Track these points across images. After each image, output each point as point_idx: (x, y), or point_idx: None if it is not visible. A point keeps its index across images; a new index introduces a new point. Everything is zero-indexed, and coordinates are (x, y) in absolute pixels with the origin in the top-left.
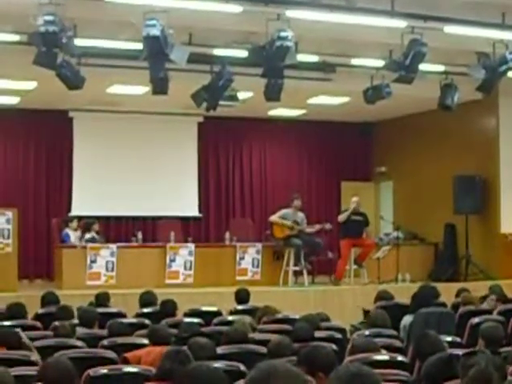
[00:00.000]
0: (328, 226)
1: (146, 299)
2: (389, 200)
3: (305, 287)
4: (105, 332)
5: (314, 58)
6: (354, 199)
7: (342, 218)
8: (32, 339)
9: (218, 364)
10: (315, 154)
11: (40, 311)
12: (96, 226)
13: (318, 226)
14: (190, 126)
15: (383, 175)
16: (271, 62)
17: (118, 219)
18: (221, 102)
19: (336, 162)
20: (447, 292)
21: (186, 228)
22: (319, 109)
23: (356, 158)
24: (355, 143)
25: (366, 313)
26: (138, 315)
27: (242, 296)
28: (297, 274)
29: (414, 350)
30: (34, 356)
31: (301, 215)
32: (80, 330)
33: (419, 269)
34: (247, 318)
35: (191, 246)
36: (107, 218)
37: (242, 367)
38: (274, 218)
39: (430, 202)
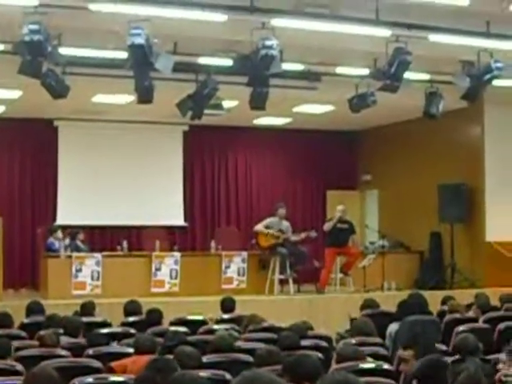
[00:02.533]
0: (313, 233)
1: (132, 308)
2: (374, 208)
3: (290, 296)
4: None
5: (298, 67)
6: (340, 208)
7: (327, 227)
8: (17, 349)
9: (203, 373)
10: (300, 162)
11: (25, 321)
12: (81, 236)
13: (303, 235)
14: (175, 135)
15: (368, 184)
16: (256, 70)
17: (104, 228)
18: (206, 111)
19: (321, 170)
20: (433, 300)
21: (172, 237)
22: (304, 117)
23: (341, 166)
24: (340, 151)
25: (353, 320)
26: (124, 324)
27: (227, 305)
28: (282, 282)
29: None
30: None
31: (286, 224)
32: (65, 340)
33: (405, 277)
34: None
35: (177, 254)
36: (92, 227)
37: (228, 376)
38: (258, 227)
39: (416, 210)
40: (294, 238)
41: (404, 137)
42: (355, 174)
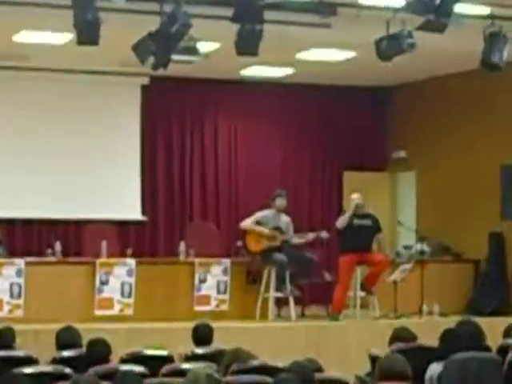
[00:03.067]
0: (324, 234)
1: (67, 338)
2: (410, 198)
3: (291, 322)
4: None
5: None
6: (355, 196)
7: (340, 222)
8: None
9: None
10: (307, 131)
11: None
12: None
13: (310, 235)
14: (131, 91)
15: (402, 163)
16: None
17: (28, 223)
18: (174, 57)
19: (336, 143)
20: (492, 330)
21: (124, 236)
22: (313, 67)
23: (364, 137)
24: (363, 117)
25: (375, 360)
26: (56, 361)
27: (202, 334)
28: (280, 303)
29: None
30: None
31: (285, 219)
32: None
33: (453, 297)
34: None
35: (131, 261)
36: (11, 221)
37: None
38: (247, 223)
39: (469, 201)
40: (296, 239)
41: (453, 97)
42: (383, 150)
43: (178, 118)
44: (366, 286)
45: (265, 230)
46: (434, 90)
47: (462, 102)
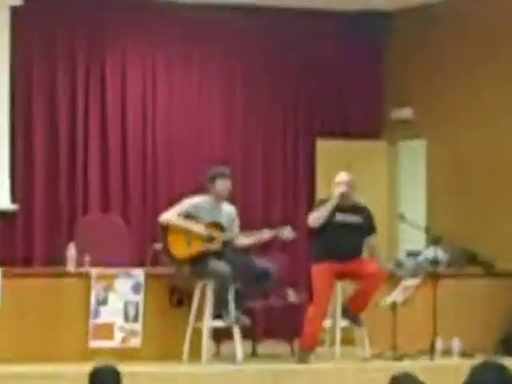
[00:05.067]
0: (288, 232)
1: None
2: (418, 180)
3: (237, 365)
4: None
5: None
6: (341, 179)
7: (316, 217)
8: None
9: None
10: (268, 77)
11: None
12: None
13: (265, 234)
14: None
15: (407, 126)
16: None
17: None
18: None
19: (307, 97)
20: None
21: None
22: None
23: (350, 89)
24: (351, 57)
25: None
26: None
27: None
28: (220, 336)
29: None
30: None
31: (228, 211)
32: None
33: (481, 327)
34: None
35: None
36: None
37: None
38: (170, 216)
39: (504, 186)
40: (245, 240)
41: (479, 25)
42: (378, 107)
43: (66, 53)
44: (352, 312)
45: (196, 227)
46: (450, 17)
47: (490, 33)
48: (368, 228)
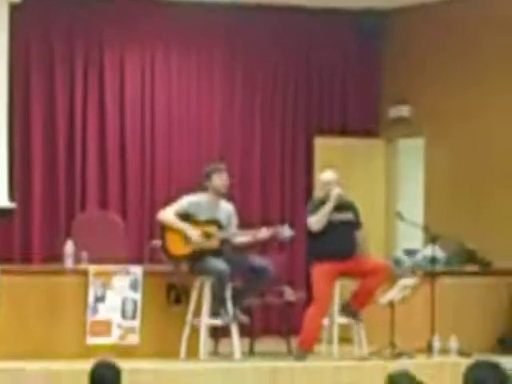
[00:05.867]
0: (287, 231)
1: None
2: (416, 178)
3: (235, 362)
4: None
5: None
6: (329, 178)
7: (316, 221)
8: None
9: None
10: (267, 76)
11: None
12: None
13: (264, 232)
14: None
15: (405, 124)
16: None
17: None
18: None
19: (304, 94)
20: None
21: None
22: None
23: (347, 86)
24: (349, 56)
25: None
26: None
27: (103, 381)
28: (218, 333)
29: None
30: None
31: (226, 208)
32: None
33: (479, 326)
34: None
35: None
36: None
37: None
38: (167, 214)
39: (505, 183)
40: (243, 238)
41: (485, 24)
42: (375, 104)
43: (64, 50)
44: (353, 307)
45: (189, 231)
46: (451, 16)
47: (493, 29)
48: (357, 223)
